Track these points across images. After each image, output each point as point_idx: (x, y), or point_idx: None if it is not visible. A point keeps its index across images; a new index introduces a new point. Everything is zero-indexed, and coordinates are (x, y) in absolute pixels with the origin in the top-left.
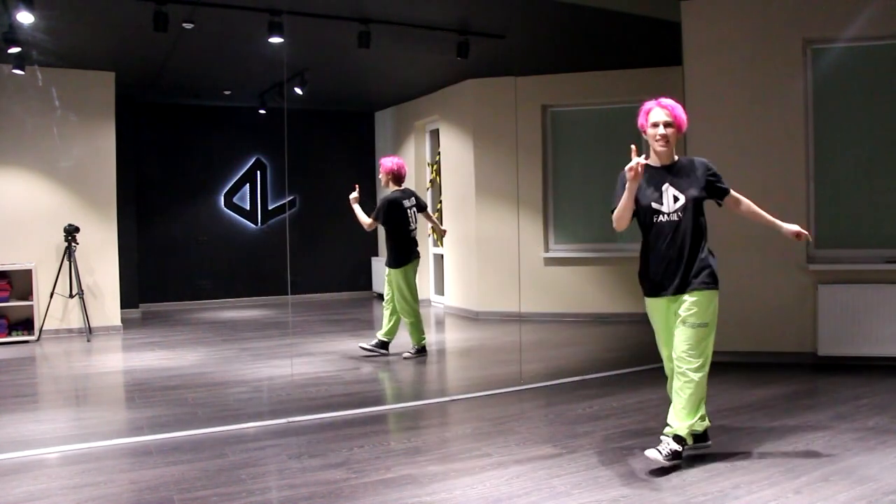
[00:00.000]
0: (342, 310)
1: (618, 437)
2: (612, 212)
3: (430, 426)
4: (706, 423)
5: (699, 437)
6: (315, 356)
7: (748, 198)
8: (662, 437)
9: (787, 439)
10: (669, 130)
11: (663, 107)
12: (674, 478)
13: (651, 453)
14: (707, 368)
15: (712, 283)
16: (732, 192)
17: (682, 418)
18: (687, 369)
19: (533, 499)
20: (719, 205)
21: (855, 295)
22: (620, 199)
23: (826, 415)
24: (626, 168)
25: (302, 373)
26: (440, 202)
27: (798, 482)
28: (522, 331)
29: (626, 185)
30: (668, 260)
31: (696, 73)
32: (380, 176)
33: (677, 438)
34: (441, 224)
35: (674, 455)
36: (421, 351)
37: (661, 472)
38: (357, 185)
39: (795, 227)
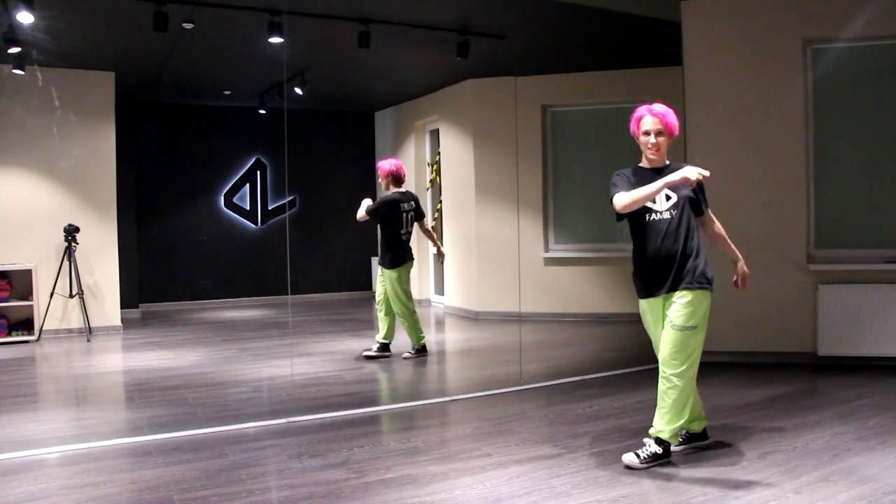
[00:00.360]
0: (342, 310)
1: (618, 437)
2: (613, 200)
3: (430, 426)
4: (704, 422)
5: (698, 436)
6: (315, 356)
7: (749, 197)
8: (645, 440)
9: (787, 439)
10: (661, 139)
11: (654, 115)
12: (674, 478)
13: (628, 458)
14: (693, 372)
15: (706, 283)
16: (709, 211)
17: (665, 422)
18: (671, 374)
19: (533, 499)
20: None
21: (855, 295)
22: (623, 190)
23: (826, 415)
24: (693, 175)
25: (302, 373)
26: (440, 202)
27: (798, 482)
28: (522, 331)
29: (665, 182)
30: (662, 258)
31: (696, 73)
32: (379, 180)
33: (659, 441)
34: (441, 240)
35: (653, 457)
36: (421, 350)
37: (661, 472)
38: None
39: (745, 269)
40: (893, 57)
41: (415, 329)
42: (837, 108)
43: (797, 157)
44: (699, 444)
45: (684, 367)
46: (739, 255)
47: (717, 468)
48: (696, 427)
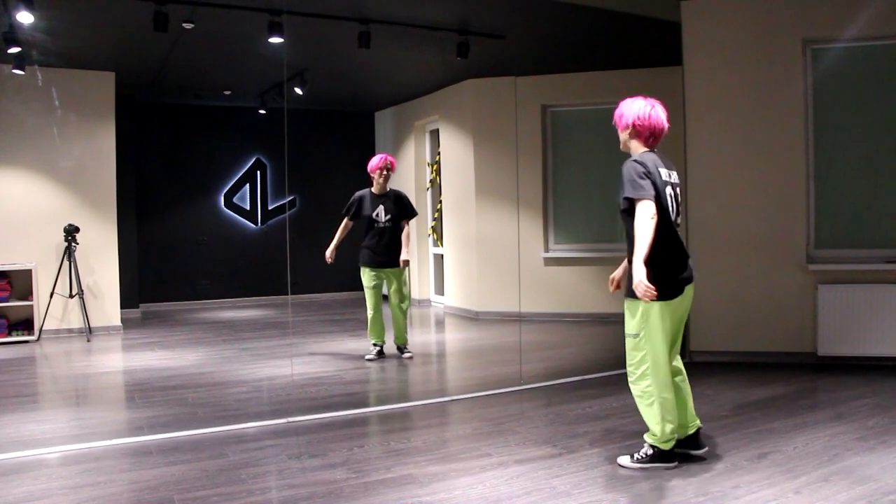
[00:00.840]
0: (342, 310)
1: (618, 437)
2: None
3: (430, 426)
4: (688, 430)
5: (687, 442)
6: (315, 356)
7: (749, 197)
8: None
9: (787, 439)
10: (619, 132)
11: None
12: (673, 478)
13: (621, 458)
14: (651, 383)
15: (628, 293)
16: (639, 205)
17: (649, 431)
18: (629, 382)
19: (533, 499)
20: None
21: (855, 295)
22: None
23: (826, 415)
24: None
25: (302, 373)
26: (440, 202)
27: (798, 482)
28: (522, 331)
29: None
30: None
31: (696, 73)
32: (385, 173)
33: (650, 444)
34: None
35: (647, 458)
36: (406, 349)
37: (661, 472)
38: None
39: (637, 280)
40: (893, 57)
41: (405, 327)
42: (837, 108)
43: (797, 156)
44: (690, 451)
45: (635, 375)
46: (637, 267)
47: (717, 468)
48: (678, 432)
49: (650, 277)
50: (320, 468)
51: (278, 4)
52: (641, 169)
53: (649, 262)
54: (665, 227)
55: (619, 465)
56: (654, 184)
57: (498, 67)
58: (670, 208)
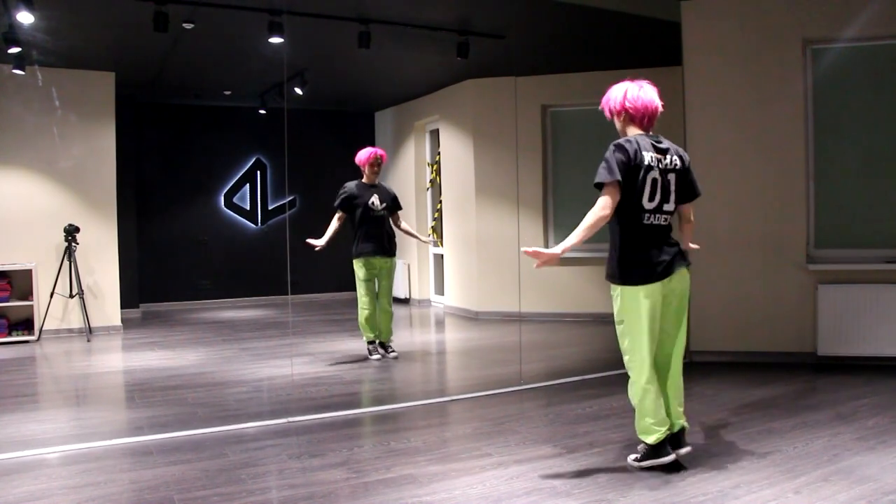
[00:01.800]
0: (342, 310)
1: (618, 437)
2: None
3: (430, 426)
4: (663, 430)
5: (671, 442)
6: (315, 356)
7: (748, 196)
8: None
9: (787, 439)
10: (614, 120)
11: None
12: (674, 477)
13: (629, 457)
14: (635, 373)
15: (609, 277)
16: (602, 192)
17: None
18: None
19: (533, 499)
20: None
21: (855, 295)
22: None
23: (826, 415)
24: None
25: (302, 373)
26: (440, 202)
27: (798, 482)
28: (522, 331)
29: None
30: None
31: (696, 73)
32: (375, 168)
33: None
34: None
35: (644, 456)
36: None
37: (660, 471)
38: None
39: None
40: (893, 57)
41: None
42: (837, 108)
43: (797, 156)
44: (677, 450)
45: (625, 360)
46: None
47: (716, 468)
48: (653, 431)
49: (624, 261)
50: (320, 468)
51: (278, 4)
52: (619, 155)
53: (623, 246)
54: (636, 214)
55: (628, 464)
56: (629, 169)
57: (498, 67)
58: (646, 194)
